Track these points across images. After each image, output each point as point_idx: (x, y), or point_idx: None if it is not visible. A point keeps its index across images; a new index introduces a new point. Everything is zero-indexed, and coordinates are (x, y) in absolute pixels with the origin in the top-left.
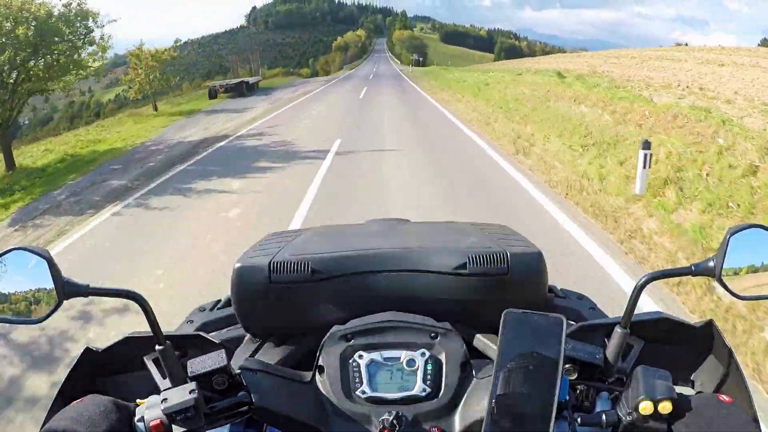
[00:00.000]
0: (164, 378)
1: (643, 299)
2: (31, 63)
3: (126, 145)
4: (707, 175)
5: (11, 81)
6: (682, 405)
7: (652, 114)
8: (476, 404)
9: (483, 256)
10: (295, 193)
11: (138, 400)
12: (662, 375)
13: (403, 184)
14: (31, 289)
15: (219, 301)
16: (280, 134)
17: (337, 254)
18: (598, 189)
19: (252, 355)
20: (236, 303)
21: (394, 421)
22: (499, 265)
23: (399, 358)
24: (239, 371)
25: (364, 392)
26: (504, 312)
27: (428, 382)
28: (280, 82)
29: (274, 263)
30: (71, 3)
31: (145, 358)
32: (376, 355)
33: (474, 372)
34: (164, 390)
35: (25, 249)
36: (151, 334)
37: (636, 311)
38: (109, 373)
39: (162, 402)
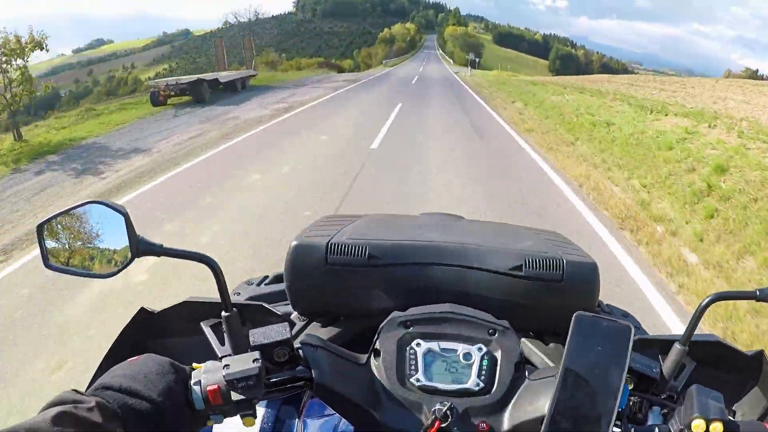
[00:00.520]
0: (222, 345)
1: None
2: None
3: None
4: None
5: None
6: (731, 429)
7: None
8: (527, 405)
9: (539, 260)
10: None
11: (194, 364)
12: (716, 396)
13: None
14: (103, 243)
15: (267, 276)
16: None
17: (394, 242)
18: None
19: (299, 334)
20: (289, 280)
21: (447, 412)
22: (554, 270)
23: (456, 351)
24: (300, 346)
25: (418, 380)
26: (575, 314)
27: (482, 378)
28: (297, 76)
29: (331, 244)
30: None
31: (202, 324)
32: (433, 345)
33: (527, 373)
34: (224, 357)
35: (103, 203)
36: (210, 300)
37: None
38: (162, 335)
39: (224, 368)
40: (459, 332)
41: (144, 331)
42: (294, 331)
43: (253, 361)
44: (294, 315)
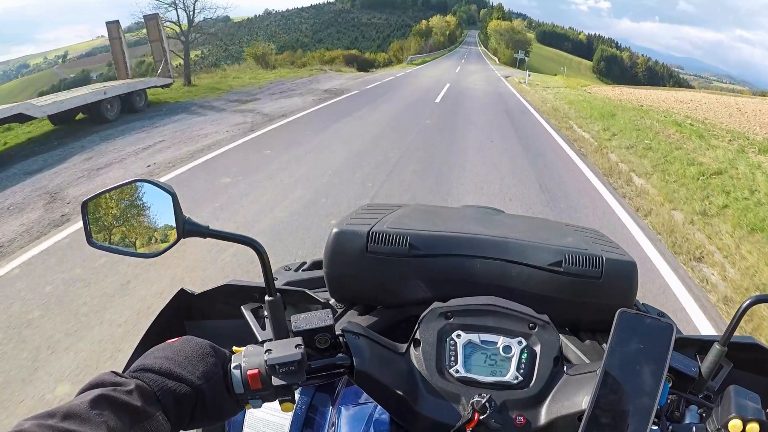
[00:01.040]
0: (263, 329)
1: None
2: None
3: None
4: None
5: None
6: None
7: None
8: (565, 400)
9: (579, 257)
10: None
11: (234, 348)
12: (753, 398)
13: None
14: (150, 222)
15: (305, 262)
16: None
17: (435, 233)
18: None
19: (336, 321)
20: (329, 267)
21: (486, 405)
22: (594, 268)
23: (496, 343)
24: (341, 333)
25: (457, 371)
26: (618, 311)
27: (521, 371)
28: (270, 79)
29: (372, 233)
30: None
31: (243, 308)
32: (474, 337)
33: (565, 368)
34: (265, 341)
35: (152, 182)
36: (251, 285)
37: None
38: (200, 317)
39: (266, 353)
40: (499, 325)
41: (183, 312)
42: (333, 318)
43: (296, 347)
44: (332, 302)
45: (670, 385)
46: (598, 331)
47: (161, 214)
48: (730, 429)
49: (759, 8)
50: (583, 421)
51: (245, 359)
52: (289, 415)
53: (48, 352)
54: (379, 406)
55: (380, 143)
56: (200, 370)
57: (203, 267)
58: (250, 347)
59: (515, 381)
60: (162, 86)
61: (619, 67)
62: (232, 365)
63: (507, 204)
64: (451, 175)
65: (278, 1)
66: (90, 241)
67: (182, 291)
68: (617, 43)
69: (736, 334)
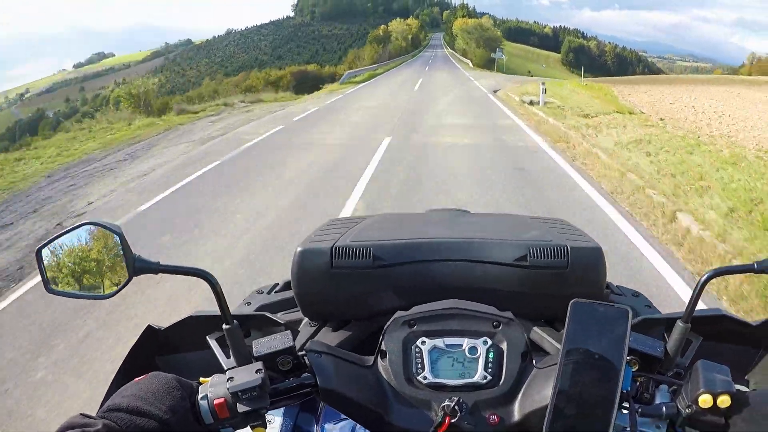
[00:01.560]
0: (228, 357)
1: None
2: None
3: None
4: None
5: None
6: (740, 400)
7: None
8: (536, 394)
9: (543, 249)
10: None
11: (201, 379)
12: (722, 370)
13: None
14: (101, 264)
15: (277, 284)
16: None
17: (398, 242)
18: None
19: (309, 339)
20: (297, 287)
21: (456, 407)
22: (559, 258)
23: (461, 345)
24: (304, 353)
25: (425, 378)
26: (571, 302)
27: (489, 370)
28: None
29: (336, 248)
30: None
31: (208, 338)
32: (438, 342)
33: (534, 362)
34: (229, 369)
35: (98, 224)
36: (214, 314)
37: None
38: (170, 351)
39: (228, 381)
40: (463, 327)
41: (152, 349)
42: (306, 337)
43: (256, 372)
44: (305, 320)
45: (636, 368)
46: None
47: (112, 254)
48: (700, 404)
49: None
50: (547, 415)
51: (211, 389)
52: None
53: None
54: None
55: None
56: (167, 404)
57: None
58: (216, 377)
59: (484, 381)
60: None
61: (587, 57)
62: (200, 396)
63: None
64: None
65: (241, 20)
66: (48, 289)
67: (149, 327)
68: (583, 33)
69: (703, 307)
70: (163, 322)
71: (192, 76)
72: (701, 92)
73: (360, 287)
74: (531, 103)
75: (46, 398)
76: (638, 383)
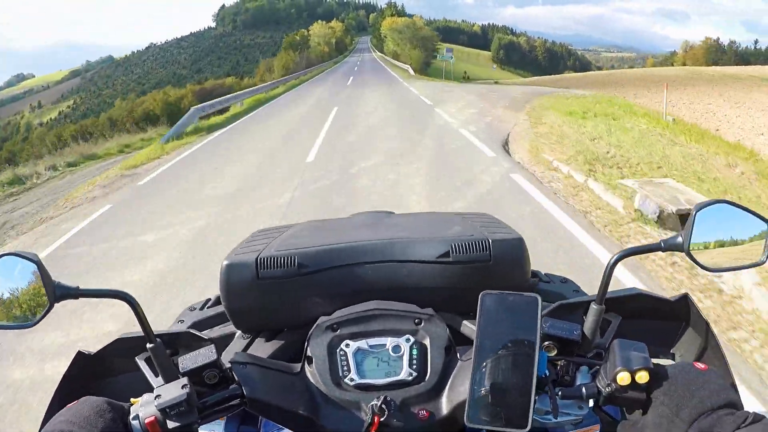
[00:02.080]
0: (156, 376)
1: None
2: None
3: None
4: None
5: None
6: (659, 374)
7: None
8: (462, 386)
9: (465, 244)
10: None
11: (132, 399)
12: (638, 347)
13: None
14: (21, 294)
15: (209, 299)
16: None
17: (322, 247)
18: None
19: (243, 351)
20: (226, 300)
21: (383, 406)
22: (482, 252)
23: (385, 345)
24: (230, 365)
25: (352, 380)
26: (480, 294)
27: (414, 367)
28: None
29: (261, 259)
30: None
31: (137, 359)
32: (362, 343)
33: (459, 355)
34: (157, 387)
35: (15, 254)
36: (139, 335)
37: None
38: (103, 375)
39: (155, 399)
40: (385, 327)
41: (85, 374)
42: (239, 350)
43: (182, 387)
44: (238, 333)
45: (554, 353)
46: None
47: (32, 283)
48: (618, 382)
49: None
50: (465, 408)
51: (141, 409)
52: None
53: None
54: None
55: None
56: (99, 428)
57: None
58: (145, 396)
59: (410, 378)
60: None
61: (518, 53)
62: (131, 417)
63: None
64: None
65: (163, 33)
66: None
67: (80, 353)
68: (512, 29)
69: (619, 288)
70: None
71: (108, 96)
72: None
73: (288, 296)
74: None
75: None
76: (558, 367)
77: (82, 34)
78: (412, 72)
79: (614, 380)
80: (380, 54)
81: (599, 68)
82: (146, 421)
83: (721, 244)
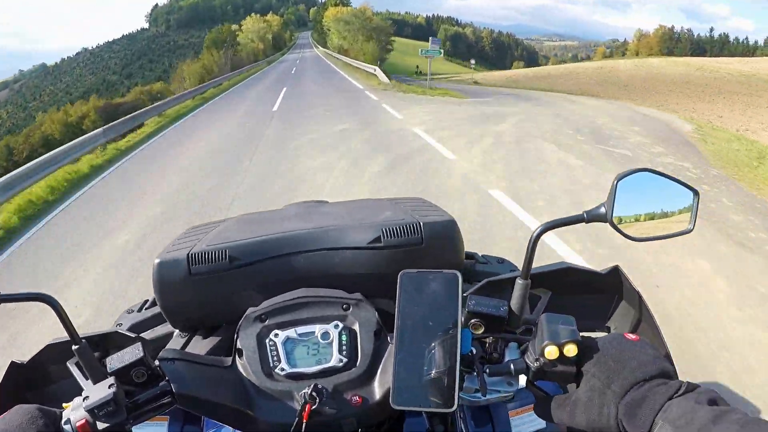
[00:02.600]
0: (87, 379)
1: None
2: None
3: None
4: None
5: None
6: (589, 347)
7: None
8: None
9: (396, 228)
10: None
11: (64, 404)
12: (566, 320)
13: None
14: None
15: (147, 301)
16: None
17: (254, 239)
18: None
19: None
20: (160, 299)
21: (314, 394)
22: (412, 235)
23: (313, 333)
24: (158, 363)
25: (283, 369)
26: (399, 274)
27: (344, 353)
28: None
29: (192, 254)
30: None
31: (68, 363)
32: (291, 332)
33: (389, 339)
34: (85, 389)
35: None
36: (67, 339)
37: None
38: (39, 383)
39: (84, 400)
40: (313, 314)
41: (19, 384)
42: (179, 347)
43: (109, 387)
44: (176, 332)
45: (481, 331)
46: None
47: None
48: (546, 356)
49: None
50: (390, 391)
51: (72, 413)
52: None
53: None
54: None
55: None
56: None
57: None
58: (76, 400)
59: (341, 364)
60: None
61: (465, 44)
62: (63, 422)
63: None
64: None
65: (95, 36)
66: None
67: (12, 363)
68: (457, 20)
69: (548, 263)
70: None
71: (34, 109)
72: None
73: (221, 290)
74: None
75: None
76: (486, 345)
77: (16, 42)
78: (382, 77)
79: (542, 354)
80: (324, 50)
81: (546, 58)
82: (77, 424)
83: (650, 216)
